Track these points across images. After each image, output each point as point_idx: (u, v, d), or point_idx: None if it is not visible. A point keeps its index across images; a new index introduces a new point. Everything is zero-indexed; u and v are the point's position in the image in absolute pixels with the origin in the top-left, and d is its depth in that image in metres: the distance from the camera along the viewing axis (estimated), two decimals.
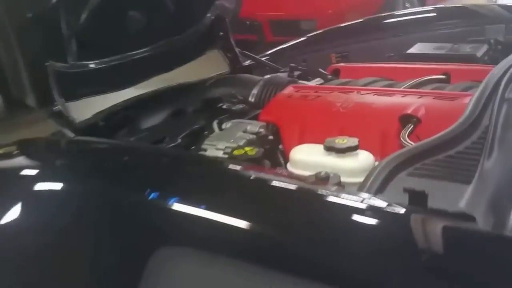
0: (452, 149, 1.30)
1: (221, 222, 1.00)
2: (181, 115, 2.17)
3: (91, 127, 2.01)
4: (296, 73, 2.29)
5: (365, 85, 2.03)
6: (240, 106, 2.02)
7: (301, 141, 1.74)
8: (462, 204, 1.10)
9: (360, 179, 1.36)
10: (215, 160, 1.40)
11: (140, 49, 2.21)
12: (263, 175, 1.24)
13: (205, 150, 1.74)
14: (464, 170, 1.23)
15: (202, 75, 2.53)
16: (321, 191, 1.14)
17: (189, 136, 1.92)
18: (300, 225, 1.00)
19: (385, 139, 1.62)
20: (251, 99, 2.15)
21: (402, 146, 1.56)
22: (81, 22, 2.02)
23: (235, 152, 1.49)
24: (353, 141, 1.43)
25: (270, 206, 1.06)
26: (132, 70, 2.20)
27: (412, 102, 1.69)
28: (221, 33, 2.47)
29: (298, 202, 1.08)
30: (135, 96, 2.22)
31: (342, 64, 2.34)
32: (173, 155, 1.39)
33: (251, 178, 1.20)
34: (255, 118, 1.94)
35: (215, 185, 1.15)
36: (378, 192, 1.14)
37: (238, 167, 1.26)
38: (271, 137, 1.78)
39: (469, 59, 2.30)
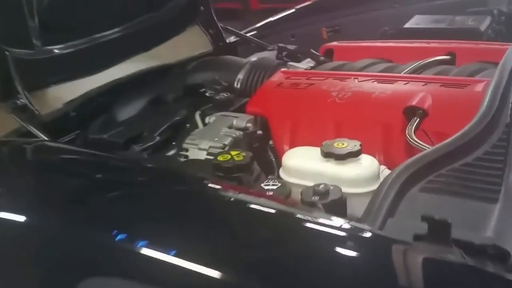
0: (469, 155, 1.12)
1: (192, 270, 0.83)
2: (160, 104, 1.97)
3: (61, 119, 1.81)
4: (285, 54, 2.09)
5: (363, 68, 1.85)
6: (225, 94, 1.82)
7: (294, 137, 1.56)
8: (490, 232, 0.93)
9: (364, 189, 1.20)
10: (190, 189, 1.16)
11: (113, 29, 2.00)
12: (243, 202, 1.03)
13: (186, 150, 1.55)
14: (486, 183, 1.06)
15: (183, 55, 2.33)
16: (310, 224, 0.95)
17: (169, 129, 1.73)
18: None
19: (388, 134, 1.45)
20: (237, 85, 1.96)
21: (407, 143, 1.38)
22: (44, 1, 1.81)
23: (220, 158, 1.30)
24: (354, 145, 1.25)
25: (246, 252, 0.88)
26: (105, 52, 1.99)
27: (416, 91, 1.51)
28: (202, 8, 2.27)
29: (279, 249, 0.89)
30: (109, 82, 2.02)
31: (335, 43, 2.14)
32: (144, 183, 1.17)
33: (229, 211, 1.01)
34: (242, 108, 1.75)
35: (189, 225, 0.96)
36: (388, 215, 0.96)
37: (215, 195, 1.06)
38: (259, 132, 1.60)
39: (472, 33, 2.12)
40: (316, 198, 1.12)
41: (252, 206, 1.00)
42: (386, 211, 0.97)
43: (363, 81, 1.64)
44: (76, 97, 1.90)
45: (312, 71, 1.88)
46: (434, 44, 1.94)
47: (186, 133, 1.69)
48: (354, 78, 1.67)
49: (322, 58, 2.03)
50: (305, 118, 1.58)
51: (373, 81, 1.63)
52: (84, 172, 1.23)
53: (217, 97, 1.81)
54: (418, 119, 1.42)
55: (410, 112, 1.44)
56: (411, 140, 1.36)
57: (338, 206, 1.12)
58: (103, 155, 1.35)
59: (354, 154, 1.23)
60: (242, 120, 1.63)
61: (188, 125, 1.76)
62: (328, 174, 1.22)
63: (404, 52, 1.93)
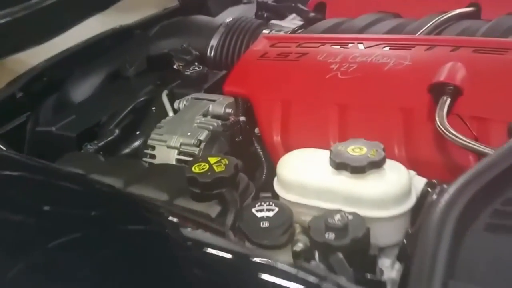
0: None
1: None
2: (120, 80, 1.61)
3: (5, 102, 1.47)
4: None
5: (365, 28, 1.49)
6: (196, 68, 1.46)
7: (286, 125, 1.22)
8: None
9: (392, 212, 0.87)
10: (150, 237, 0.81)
11: None
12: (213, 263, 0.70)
13: (153, 148, 1.20)
14: None
15: (144, 13, 1.95)
16: None
17: (131, 114, 1.38)
18: None
19: (409, 122, 1.11)
20: (210, 53, 1.60)
21: (436, 133, 1.05)
22: None
23: (196, 168, 0.96)
24: (376, 149, 0.90)
25: None
26: (50, 16, 1.63)
27: (443, 60, 1.17)
28: None
29: None
30: (58, 54, 1.67)
31: None
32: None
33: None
34: (219, 84, 1.40)
35: None
36: (447, 278, 0.64)
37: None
38: (242, 119, 1.26)
39: None
40: (331, 236, 0.79)
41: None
42: (444, 273, 0.64)
43: (370, 46, 1.29)
44: (20, 74, 1.57)
45: (303, 35, 1.52)
46: None
47: (151, 120, 1.35)
48: (358, 42, 1.31)
49: (312, 14, 1.66)
50: (298, 100, 1.23)
51: (383, 47, 1.28)
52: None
53: (187, 72, 1.45)
54: (449, 100, 1.08)
55: (438, 90, 1.10)
56: (443, 130, 1.03)
57: (360, 246, 0.80)
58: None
59: (377, 164, 0.89)
60: (219, 105, 1.28)
61: (154, 108, 1.41)
62: (342, 192, 0.88)
63: (414, 3, 1.57)
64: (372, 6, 1.60)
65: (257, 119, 1.26)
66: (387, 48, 1.27)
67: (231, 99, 1.30)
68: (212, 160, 0.98)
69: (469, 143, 1.00)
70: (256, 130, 1.27)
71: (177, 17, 1.82)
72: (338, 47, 1.32)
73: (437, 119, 1.05)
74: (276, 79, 1.29)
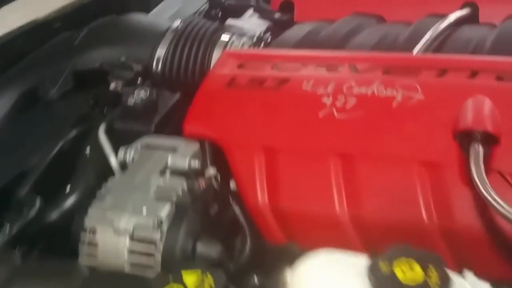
0: None
1: None
2: (37, 105, 1.28)
3: None
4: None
5: (349, 37, 1.23)
6: (142, 93, 1.15)
7: (273, 183, 0.95)
8: None
9: None
10: None
11: None
12: None
13: (93, 231, 0.90)
14: None
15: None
16: None
17: (57, 162, 1.08)
18: None
19: (437, 182, 0.87)
20: (157, 67, 1.30)
21: (475, 196, 0.83)
22: None
23: None
24: (435, 267, 0.65)
25: None
26: None
27: (462, 93, 0.93)
28: None
29: None
30: None
31: None
32: None
33: None
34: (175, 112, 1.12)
35: None
36: None
37: None
38: (213, 171, 0.98)
39: None
40: None
41: None
42: None
43: (366, 70, 1.04)
44: None
45: (277, 51, 1.23)
46: None
47: (86, 171, 1.06)
48: (350, 64, 1.06)
49: (277, 15, 1.38)
50: (287, 148, 0.97)
51: (383, 71, 1.03)
52: None
53: (130, 101, 1.14)
54: (482, 150, 0.85)
55: (467, 138, 0.87)
56: (484, 192, 0.80)
57: None
58: None
59: None
60: (182, 157, 0.99)
61: (88, 151, 1.12)
62: None
63: (397, 3, 1.32)
64: (347, 6, 1.34)
65: (233, 172, 0.99)
66: (384, 72, 1.02)
67: (195, 145, 1.02)
68: (189, 279, 0.71)
69: None
70: (232, 185, 1.00)
71: (109, 16, 1.47)
72: (325, 69, 1.06)
73: (474, 178, 0.82)
74: (253, 117, 1.02)
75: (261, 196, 0.95)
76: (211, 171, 0.98)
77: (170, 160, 0.99)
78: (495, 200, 0.79)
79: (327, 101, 0.98)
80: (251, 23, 1.43)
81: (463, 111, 0.89)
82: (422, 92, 0.95)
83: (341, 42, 1.21)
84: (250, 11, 1.45)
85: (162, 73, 1.30)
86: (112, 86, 1.28)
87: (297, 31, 1.29)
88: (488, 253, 0.83)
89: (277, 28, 1.35)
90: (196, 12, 1.58)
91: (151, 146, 1.03)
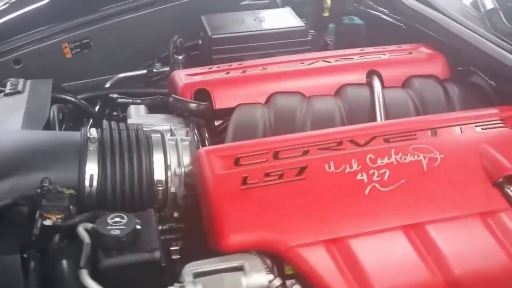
0: None
1: None
2: None
3: None
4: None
5: (306, 123, 1.22)
6: (118, 218, 0.94)
7: (358, 274, 0.89)
8: None
9: None
10: None
11: None
12: None
13: None
14: None
15: None
16: None
17: None
18: None
19: (498, 228, 0.95)
20: (91, 188, 1.07)
21: None
22: None
23: None
24: None
25: None
26: None
27: (475, 145, 1.04)
28: None
29: None
30: None
31: (186, 74, 1.37)
32: None
33: None
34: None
35: None
36: None
37: None
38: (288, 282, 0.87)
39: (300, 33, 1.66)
40: None
41: None
42: None
43: (369, 142, 1.06)
44: None
45: (261, 140, 1.13)
46: (333, 57, 1.42)
47: None
48: (348, 139, 1.06)
49: (203, 105, 1.27)
50: (354, 234, 0.92)
51: (385, 140, 1.06)
52: None
53: (111, 231, 0.91)
54: None
55: (506, 182, 0.97)
56: None
57: None
58: None
59: None
60: (258, 274, 0.85)
61: None
62: None
63: (308, 77, 1.36)
64: (263, 90, 1.31)
65: (303, 271, 0.88)
66: (386, 141, 1.06)
67: (256, 259, 0.88)
68: None
69: None
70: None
71: None
72: (329, 149, 1.04)
73: None
74: (301, 212, 0.93)
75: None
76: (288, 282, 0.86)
77: (246, 280, 0.84)
78: None
79: (363, 177, 0.98)
80: (157, 117, 1.30)
81: (491, 161, 0.99)
82: (438, 150, 1.02)
83: (301, 129, 1.20)
84: (163, 116, 1.31)
85: (100, 193, 1.08)
86: (48, 222, 1.01)
87: (245, 119, 1.22)
88: None
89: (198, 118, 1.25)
90: None
91: (205, 273, 0.86)
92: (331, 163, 1.00)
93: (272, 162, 1.01)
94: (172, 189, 1.14)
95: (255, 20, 1.74)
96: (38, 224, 1.00)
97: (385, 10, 1.80)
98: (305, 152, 1.03)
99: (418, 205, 0.96)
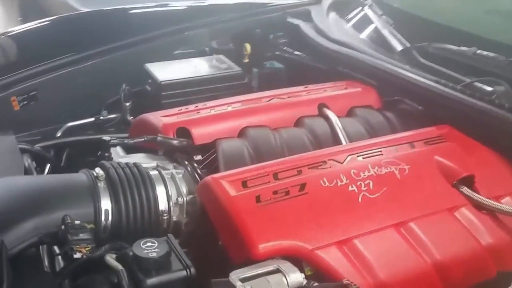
0: None
1: None
2: None
3: None
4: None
5: (280, 145, 1.40)
6: (149, 243, 1.05)
7: (367, 267, 1.08)
8: None
9: None
10: None
11: None
12: None
13: None
14: None
15: None
16: None
17: None
18: None
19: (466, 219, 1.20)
20: (106, 222, 1.19)
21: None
22: None
23: None
24: None
25: None
26: None
27: (429, 159, 1.30)
28: None
29: None
30: None
31: (157, 117, 1.49)
32: None
33: None
34: None
35: None
36: None
37: None
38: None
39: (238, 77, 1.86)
40: None
41: None
42: None
43: (349, 161, 1.27)
44: None
45: (259, 165, 1.27)
46: (284, 94, 1.62)
47: None
48: (331, 159, 1.26)
49: (185, 142, 1.40)
50: (359, 234, 1.11)
51: (361, 157, 1.28)
52: None
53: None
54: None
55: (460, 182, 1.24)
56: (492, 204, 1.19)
57: None
58: None
59: None
60: (295, 274, 1.00)
61: None
62: None
63: (272, 111, 1.55)
64: (235, 125, 1.48)
65: (324, 270, 1.06)
66: (360, 158, 1.28)
67: (286, 262, 1.04)
68: None
69: None
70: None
71: None
72: (318, 168, 1.23)
73: (483, 201, 1.19)
74: (308, 222, 1.11)
75: (365, 278, 1.06)
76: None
77: (287, 280, 0.99)
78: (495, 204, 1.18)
79: (353, 188, 1.18)
80: (138, 156, 1.42)
81: (444, 168, 1.25)
82: (405, 163, 1.26)
83: (282, 152, 1.38)
84: (141, 154, 1.43)
85: (115, 224, 1.19)
86: (78, 255, 1.10)
87: (230, 151, 1.37)
88: None
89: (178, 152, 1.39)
90: None
91: (249, 278, 1.00)
92: (325, 179, 1.19)
93: (275, 182, 1.18)
94: (174, 218, 1.27)
95: (195, 66, 1.91)
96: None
97: (299, 53, 2.07)
98: (299, 172, 1.21)
99: (401, 207, 1.18)
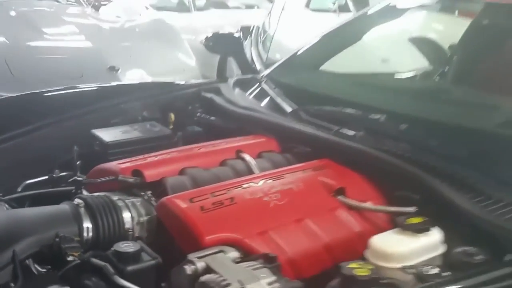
0: None
1: None
2: None
3: None
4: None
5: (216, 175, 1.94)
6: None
7: (280, 247, 1.61)
8: None
9: None
10: None
11: None
12: None
13: None
14: None
15: None
16: None
17: None
18: None
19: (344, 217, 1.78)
20: (88, 235, 1.70)
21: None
22: None
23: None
24: None
25: None
26: None
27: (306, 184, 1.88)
28: None
29: None
30: None
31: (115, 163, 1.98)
32: None
33: None
34: None
35: None
36: None
37: None
38: None
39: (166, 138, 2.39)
40: None
41: None
42: None
43: (262, 183, 1.81)
44: None
45: (203, 189, 1.79)
46: (212, 145, 2.17)
47: None
48: (251, 181, 1.80)
49: (139, 180, 1.89)
50: (274, 226, 1.65)
51: (271, 180, 1.83)
52: None
53: None
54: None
55: (337, 192, 1.81)
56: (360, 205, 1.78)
57: None
58: None
59: None
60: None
61: None
62: None
63: (202, 156, 2.07)
64: (177, 166, 1.99)
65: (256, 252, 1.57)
66: (270, 181, 1.83)
67: None
68: None
69: None
70: None
71: None
72: (242, 187, 1.77)
73: (349, 203, 1.77)
74: (238, 221, 1.63)
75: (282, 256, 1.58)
76: None
77: (229, 255, 1.50)
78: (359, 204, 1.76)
79: (267, 199, 1.72)
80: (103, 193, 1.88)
81: (325, 184, 1.82)
82: (300, 182, 1.82)
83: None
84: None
85: (94, 238, 1.66)
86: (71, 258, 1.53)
87: (176, 184, 1.87)
88: None
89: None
90: None
91: (201, 256, 1.49)
92: (247, 194, 1.73)
93: (212, 198, 1.70)
94: (136, 234, 1.74)
95: (134, 130, 2.41)
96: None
97: (213, 118, 2.62)
98: (229, 190, 1.74)
99: (298, 209, 1.73)
